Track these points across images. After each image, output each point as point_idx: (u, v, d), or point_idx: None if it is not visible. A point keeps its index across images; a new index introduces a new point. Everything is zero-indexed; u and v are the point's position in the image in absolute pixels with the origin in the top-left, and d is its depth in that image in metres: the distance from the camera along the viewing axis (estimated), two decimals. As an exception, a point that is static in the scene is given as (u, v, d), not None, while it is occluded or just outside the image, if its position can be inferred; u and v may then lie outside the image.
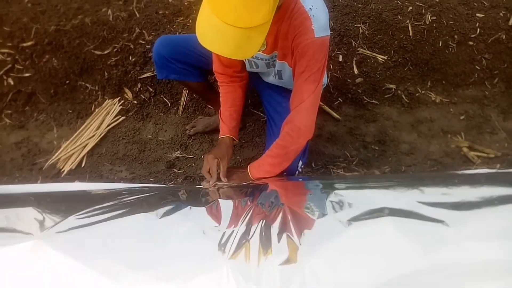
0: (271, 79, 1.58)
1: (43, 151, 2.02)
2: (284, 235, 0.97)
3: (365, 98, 2.06)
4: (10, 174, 1.92)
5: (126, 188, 1.45)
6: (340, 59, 2.12)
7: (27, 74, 2.24)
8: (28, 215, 1.13)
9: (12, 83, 2.24)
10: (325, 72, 1.40)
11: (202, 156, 1.84)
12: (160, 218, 1.11)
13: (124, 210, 1.17)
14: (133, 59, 2.18)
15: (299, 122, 1.35)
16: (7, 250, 0.98)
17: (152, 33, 2.21)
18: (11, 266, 0.95)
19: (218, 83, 1.57)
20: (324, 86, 1.64)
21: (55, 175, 1.88)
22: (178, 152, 1.91)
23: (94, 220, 1.09)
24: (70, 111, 2.18)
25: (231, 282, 0.88)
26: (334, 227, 1.01)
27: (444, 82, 2.13)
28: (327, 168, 1.76)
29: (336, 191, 1.22)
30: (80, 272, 0.92)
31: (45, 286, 0.92)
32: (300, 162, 1.53)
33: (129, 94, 2.15)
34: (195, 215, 1.14)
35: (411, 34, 2.14)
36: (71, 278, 0.92)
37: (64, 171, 1.88)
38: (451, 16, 2.19)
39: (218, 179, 1.44)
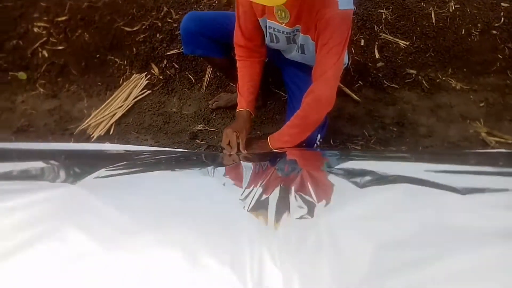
0: (293, 54, 1.61)
1: (74, 119, 2.13)
2: (302, 194, 1.02)
3: (385, 82, 2.09)
4: (43, 137, 2.04)
5: (154, 150, 1.53)
6: (362, 43, 2.15)
7: (60, 47, 2.36)
8: (59, 166, 1.20)
9: (46, 55, 2.36)
10: (346, 50, 1.42)
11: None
12: (186, 174, 1.19)
13: (152, 166, 1.25)
14: (160, 37, 2.26)
15: (320, 93, 1.38)
16: (42, 195, 1.02)
17: (179, 12, 2.28)
18: (45, 208, 0.99)
19: (237, 57, 1.59)
20: (345, 66, 1.66)
21: (85, 140, 1.98)
22: (201, 125, 1.98)
23: (124, 171, 1.16)
24: (100, 83, 2.28)
25: (252, 233, 0.92)
26: (349, 189, 1.05)
27: (465, 69, 2.13)
28: (345, 145, 1.80)
29: (352, 160, 1.27)
30: (116, 215, 0.95)
31: (82, 226, 0.96)
32: (319, 136, 1.56)
33: (155, 70, 2.24)
34: (218, 174, 1.20)
35: (434, 21, 2.15)
36: (106, 221, 0.94)
37: (93, 136, 1.98)
38: (475, 5, 2.18)
39: (238, 151, 1.47)
